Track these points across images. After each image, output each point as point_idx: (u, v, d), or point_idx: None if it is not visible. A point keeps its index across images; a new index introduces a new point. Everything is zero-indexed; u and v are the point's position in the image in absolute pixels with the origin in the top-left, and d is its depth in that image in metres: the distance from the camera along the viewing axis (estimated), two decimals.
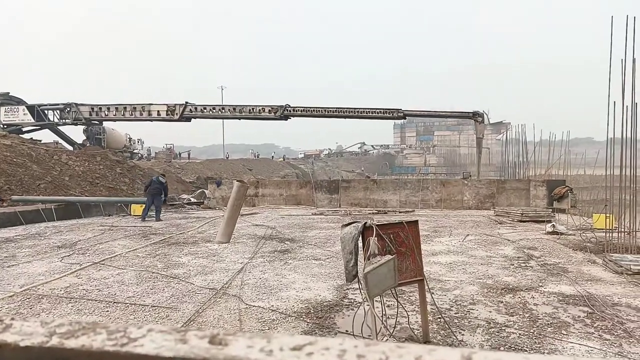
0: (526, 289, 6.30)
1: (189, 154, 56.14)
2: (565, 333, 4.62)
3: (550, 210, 16.29)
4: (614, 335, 4.56)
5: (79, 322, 0.47)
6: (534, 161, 24.29)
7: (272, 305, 5.61)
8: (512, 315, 5.18)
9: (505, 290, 6.21)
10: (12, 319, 0.47)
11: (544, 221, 13.48)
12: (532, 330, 4.69)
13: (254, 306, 5.60)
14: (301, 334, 3.85)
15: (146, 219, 15.25)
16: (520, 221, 14.50)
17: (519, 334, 4.61)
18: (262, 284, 6.66)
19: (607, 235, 9.45)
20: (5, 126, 28.16)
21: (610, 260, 7.79)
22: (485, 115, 28.10)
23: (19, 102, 29.72)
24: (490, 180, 23.35)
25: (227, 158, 54.88)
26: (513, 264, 7.98)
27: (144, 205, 15.74)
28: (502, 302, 5.71)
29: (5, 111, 28.92)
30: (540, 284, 6.55)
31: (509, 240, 10.59)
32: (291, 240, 10.93)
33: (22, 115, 28.96)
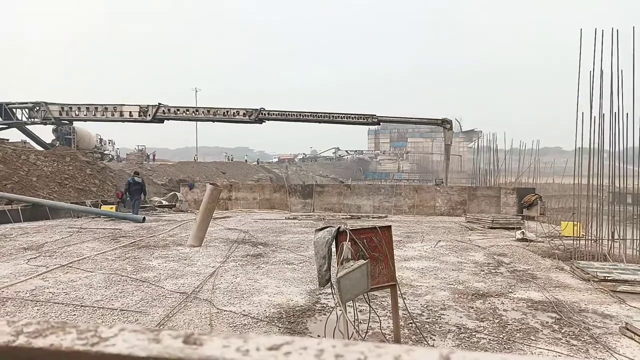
0: (496, 294, 6.43)
1: (154, 155, 55.06)
2: (534, 338, 4.73)
3: (520, 217, 16.69)
4: (580, 341, 4.69)
5: (47, 321, 0.45)
6: (504, 169, 24.90)
7: (244, 310, 5.55)
8: (482, 321, 5.27)
9: (476, 296, 6.32)
10: None
11: (513, 228, 13.80)
12: (501, 336, 4.78)
13: (225, 310, 5.52)
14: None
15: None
16: (491, 228, 14.81)
17: (489, 339, 4.70)
18: (234, 289, 6.58)
19: (575, 242, 9.74)
20: None
21: (577, 268, 8.02)
22: (458, 123, 28.73)
23: None
24: (462, 187, 23.80)
25: (196, 160, 54.14)
26: (483, 270, 8.13)
27: (114, 207, 16.39)
28: (472, 307, 5.80)
29: None
30: (510, 290, 6.69)
31: (479, 247, 10.79)
32: (264, 244, 10.85)
33: None
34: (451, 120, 27.67)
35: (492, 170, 25.82)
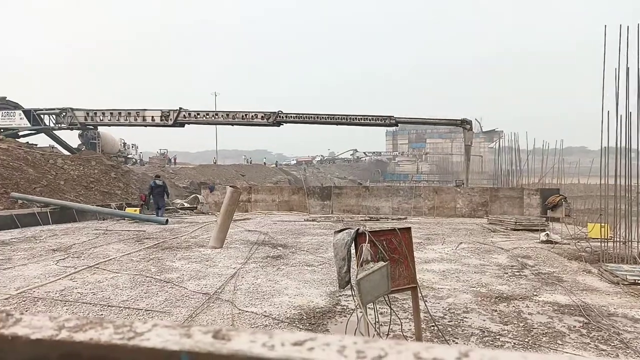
0: (520, 297, 6.32)
1: (174, 159, 56.05)
2: (560, 343, 4.64)
3: (544, 219, 16.38)
4: (610, 345, 4.58)
5: (86, 317, 0.48)
6: (527, 169, 24.46)
7: (265, 311, 5.59)
8: (507, 324, 5.19)
9: (499, 299, 6.23)
10: (22, 313, 0.48)
11: (537, 230, 13.55)
12: (526, 340, 4.71)
13: (246, 311, 5.58)
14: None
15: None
16: (514, 229, 14.56)
17: (514, 343, 4.63)
18: (255, 290, 6.64)
19: (602, 244, 9.50)
20: (2, 130, 28.01)
21: (605, 270, 7.83)
22: (477, 123, 28.40)
23: (16, 106, 29.60)
24: (483, 188, 23.47)
25: (215, 162, 54.77)
26: (507, 273, 8.01)
27: (138, 209, 17.06)
28: (496, 310, 5.72)
29: (2, 115, 28.80)
30: (535, 293, 6.57)
31: (502, 249, 10.63)
32: (284, 246, 10.91)
33: (19, 120, 28.84)
34: (471, 121, 27.33)
35: (515, 171, 25.40)
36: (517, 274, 7.95)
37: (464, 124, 26.77)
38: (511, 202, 20.12)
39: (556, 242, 11.38)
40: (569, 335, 4.87)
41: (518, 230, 14.47)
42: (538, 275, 7.82)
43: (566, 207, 18.01)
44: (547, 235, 11.89)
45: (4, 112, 28.89)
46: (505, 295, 6.45)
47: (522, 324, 5.19)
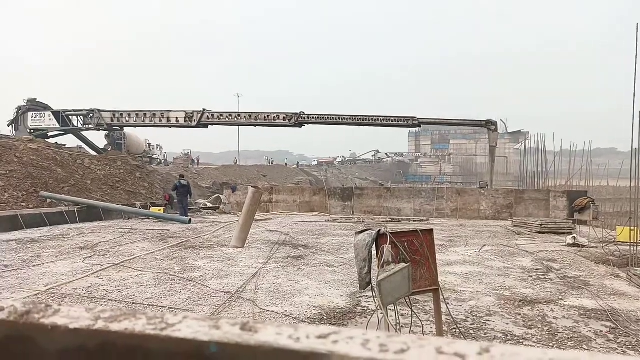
0: (545, 301, 6.20)
1: (198, 160, 56.90)
2: (586, 348, 4.54)
3: (571, 221, 16.01)
4: (638, 351, 4.46)
5: (120, 308, 0.50)
6: (553, 171, 23.95)
7: (286, 311, 5.63)
8: (531, 328, 5.10)
9: (523, 303, 6.12)
10: (60, 304, 0.51)
11: (564, 233, 13.25)
12: (551, 344, 4.62)
13: (267, 311, 5.63)
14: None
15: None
16: (539, 232, 14.27)
17: (538, 347, 4.54)
18: (276, 289, 6.69)
19: (632, 248, 9.22)
20: (32, 131, 28.91)
21: (635, 275, 7.61)
22: (503, 124, 27.97)
23: (45, 107, 30.48)
24: (508, 190, 23.08)
25: (236, 163, 55.31)
26: (531, 276, 7.86)
27: (162, 209, 17.58)
28: (519, 314, 5.62)
29: (32, 116, 29.71)
30: (560, 297, 6.43)
31: (527, 252, 10.44)
32: (305, 246, 10.95)
33: (48, 121, 29.71)
34: (496, 122, 26.92)
35: (541, 173, 24.90)
36: (542, 277, 7.79)
37: (488, 124, 26.38)
38: (537, 205, 19.72)
39: (583, 246, 11.11)
40: (595, 340, 4.75)
41: (544, 233, 14.18)
42: (564, 278, 7.65)
43: (594, 210, 17.55)
44: (574, 238, 11.61)
45: (34, 113, 29.79)
46: (529, 298, 6.33)
47: (547, 328, 5.09)
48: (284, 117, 27.94)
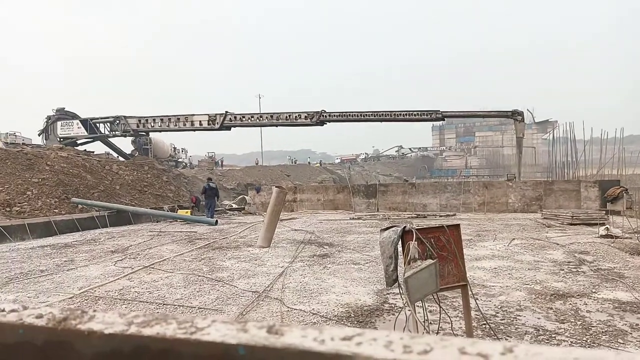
0: (578, 295, 6.05)
1: (221, 161, 57.57)
2: (622, 342, 4.41)
3: (604, 212, 15.54)
4: None
5: (151, 313, 0.53)
6: (584, 161, 23.30)
7: (313, 309, 5.66)
8: (563, 323, 4.99)
9: (555, 296, 5.99)
10: (95, 310, 0.54)
11: (596, 224, 12.88)
12: (584, 338, 4.51)
13: (295, 309, 5.67)
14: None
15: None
16: (571, 224, 13.92)
17: (571, 341, 4.44)
18: (303, 288, 6.73)
19: None
20: (61, 139, 29.83)
21: None
22: (530, 114, 27.38)
23: (74, 116, 31.40)
24: (536, 181, 22.56)
25: (257, 164, 55.70)
26: (563, 269, 7.68)
27: (189, 211, 18.04)
28: (551, 308, 5.51)
29: (61, 125, 30.65)
30: (594, 290, 6.27)
31: (558, 244, 10.20)
32: (330, 244, 10.97)
33: (77, 129, 30.59)
34: (522, 112, 26.33)
35: (570, 163, 24.27)
36: (574, 270, 7.60)
37: (515, 115, 25.82)
38: (567, 196, 19.23)
39: (617, 237, 10.78)
40: (631, 334, 4.61)
41: (575, 224, 13.82)
42: (597, 271, 7.45)
43: (627, 199, 16.98)
44: (607, 229, 11.28)
45: (62, 122, 30.72)
46: (561, 292, 6.19)
47: (580, 322, 4.97)
48: (305, 116, 28.02)
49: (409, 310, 3.92)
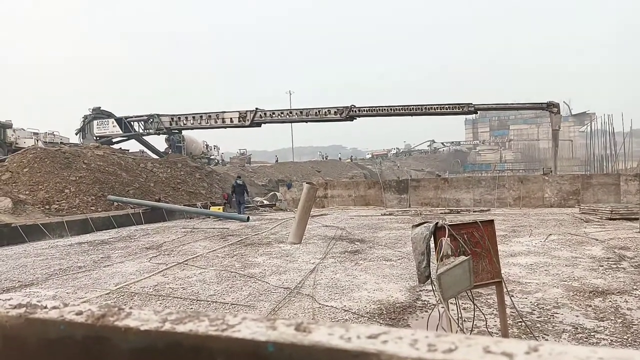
0: (618, 292, 5.84)
1: (249, 158, 58.12)
2: None
3: None
4: None
5: (184, 311, 0.55)
6: (623, 153, 22.39)
7: (345, 306, 5.67)
8: (602, 320, 4.82)
9: (594, 294, 5.80)
10: (131, 308, 0.57)
11: (637, 219, 12.37)
12: (625, 337, 4.35)
13: (327, 306, 5.69)
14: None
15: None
16: (610, 219, 13.42)
17: (611, 340, 4.30)
18: (334, 284, 6.74)
19: None
20: (97, 138, 30.86)
21: None
22: (566, 106, 26.48)
23: (109, 115, 32.41)
24: (574, 175, 21.83)
25: (277, 161, 55.82)
26: (602, 265, 7.42)
27: (221, 207, 18.42)
28: (590, 306, 5.34)
29: (97, 124, 31.70)
30: (635, 287, 6.03)
31: (597, 240, 9.85)
32: (361, 241, 10.95)
33: (112, 128, 31.58)
34: (558, 104, 25.48)
35: (609, 156, 23.36)
36: (614, 266, 7.33)
37: (550, 107, 25.04)
38: (606, 190, 18.52)
39: None
40: None
41: (614, 219, 13.32)
42: (638, 267, 7.16)
43: None
44: None
45: (98, 121, 31.76)
46: (600, 289, 5.98)
47: (620, 320, 4.79)
48: (334, 112, 28.00)
49: (442, 307, 3.88)
